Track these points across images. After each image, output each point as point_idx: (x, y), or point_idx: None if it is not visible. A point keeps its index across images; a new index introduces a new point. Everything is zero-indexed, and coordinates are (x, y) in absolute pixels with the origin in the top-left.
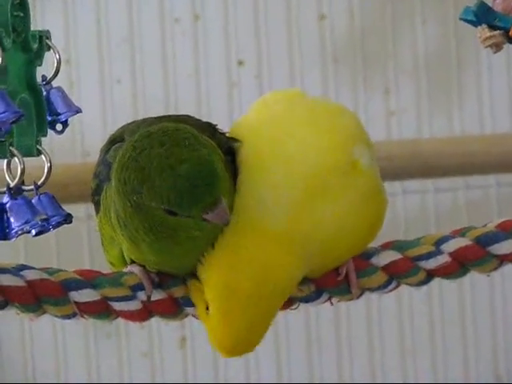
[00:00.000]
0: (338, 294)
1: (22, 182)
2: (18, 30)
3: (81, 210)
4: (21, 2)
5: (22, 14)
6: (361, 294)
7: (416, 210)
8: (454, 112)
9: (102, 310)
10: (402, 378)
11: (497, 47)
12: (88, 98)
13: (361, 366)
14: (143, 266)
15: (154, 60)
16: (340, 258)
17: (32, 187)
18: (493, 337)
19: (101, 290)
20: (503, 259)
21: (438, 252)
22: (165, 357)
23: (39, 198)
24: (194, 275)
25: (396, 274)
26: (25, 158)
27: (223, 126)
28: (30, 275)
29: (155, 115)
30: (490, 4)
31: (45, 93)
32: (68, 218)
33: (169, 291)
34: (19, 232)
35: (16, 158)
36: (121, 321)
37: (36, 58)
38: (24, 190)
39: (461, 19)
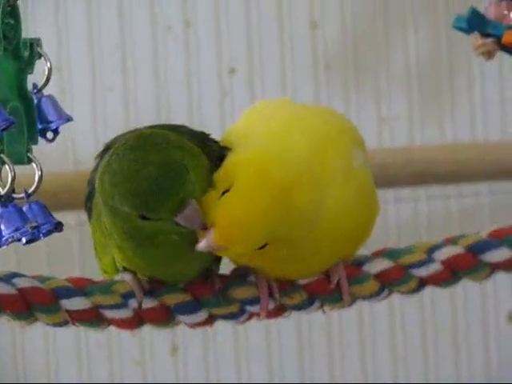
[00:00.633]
0: (330, 302)
1: (12, 190)
2: (9, 38)
3: (72, 218)
4: (12, 9)
5: (12, 22)
6: (353, 302)
7: (408, 218)
8: (446, 120)
9: (93, 318)
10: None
11: (489, 55)
12: (79, 106)
13: (353, 372)
14: (135, 274)
15: (145, 68)
16: (333, 257)
17: (23, 195)
18: (485, 345)
19: (92, 297)
20: (495, 267)
21: (430, 260)
22: (157, 365)
23: (30, 206)
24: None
25: (388, 282)
26: (15, 166)
27: (215, 134)
28: (22, 283)
29: (147, 123)
30: (482, 12)
31: (36, 101)
32: (58, 226)
33: (160, 299)
34: (9, 240)
35: (7, 166)
36: (112, 329)
37: (27, 65)
38: (14, 198)
39: (453, 27)
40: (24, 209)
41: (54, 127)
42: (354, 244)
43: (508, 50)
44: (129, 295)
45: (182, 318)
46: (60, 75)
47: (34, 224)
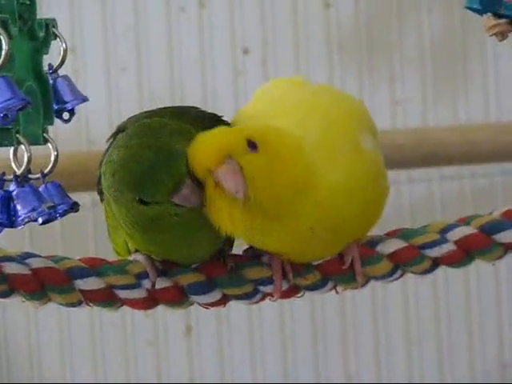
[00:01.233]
0: (343, 283)
1: (28, 171)
2: (25, 18)
3: (86, 198)
4: None
5: (28, 2)
6: (366, 283)
7: (421, 199)
8: (460, 101)
9: (107, 298)
10: (408, 366)
11: (502, 35)
12: (93, 87)
13: (366, 354)
14: (148, 255)
15: (159, 48)
16: (344, 238)
17: (39, 175)
18: (498, 325)
19: (106, 277)
20: (508, 247)
21: (444, 240)
22: (170, 345)
23: (46, 186)
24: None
25: (401, 262)
26: (31, 147)
27: (229, 114)
28: (35, 263)
29: (160, 103)
30: None
31: (51, 81)
32: (74, 207)
33: (174, 279)
34: (26, 220)
35: (23, 146)
36: (126, 310)
37: (42, 46)
38: (31, 179)
39: (466, 8)
40: (40, 189)
41: (70, 107)
42: (363, 226)
43: None
44: (142, 275)
45: (195, 298)
46: (74, 56)
47: (51, 204)
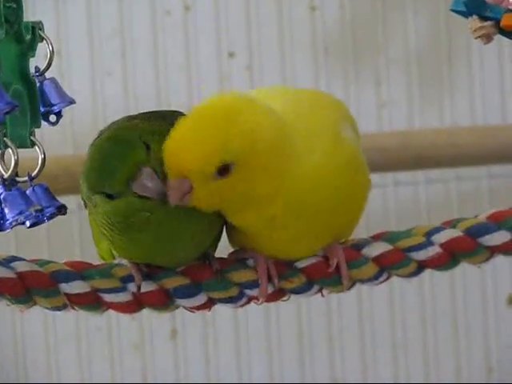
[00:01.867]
0: (329, 286)
1: (15, 174)
2: (11, 21)
3: (72, 202)
4: None
5: (14, 5)
6: (352, 286)
7: (407, 202)
8: (445, 103)
9: (92, 302)
10: (394, 370)
11: (487, 38)
12: (79, 90)
13: (352, 358)
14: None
15: (144, 52)
16: (321, 230)
17: (26, 178)
18: (484, 329)
19: (91, 281)
20: (494, 250)
21: (429, 243)
22: (156, 349)
23: (33, 189)
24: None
25: (387, 266)
26: (18, 150)
27: None
28: (21, 267)
29: (146, 107)
30: None
31: (38, 84)
32: (62, 209)
33: (159, 282)
34: (13, 223)
35: (10, 149)
36: (112, 313)
37: (29, 49)
38: (18, 182)
39: (451, 10)
40: (27, 192)
41: (57, 110)
42: (341, 219)
43: (506, 33)
44: (128, 279)
45: (180, 301)
46: (59, 59)
47: (38, 207)
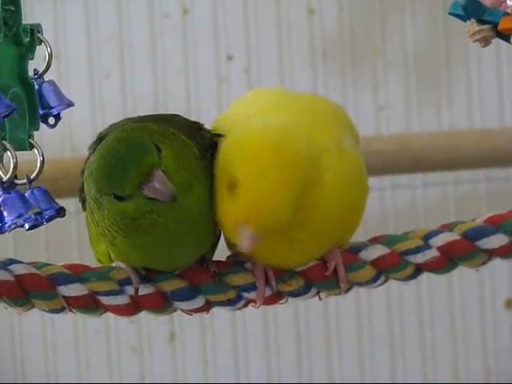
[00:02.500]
0: (327, 289)
1: (14, 176)
2: (9, 24)
3: (70, 205)
4: None
5: (13, 8)
6: (349, 289)
7: (405, 205)
8: (443, 107)
9: (90, 305)
10: (391, 372)
11: (485, 41)
12: (77, 93)
13: (350, 360)
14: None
15: (142, 55)
16: (328, 240)
17: (24, 181)
18: (482, 331)
19: (89, 284)
20: (492, 254)
21: (427, 246)
22: (154, 352)
23: (32, 191)
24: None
25: (384, 269)
26: (17, 152)
27: (212, 121)
28: (18, 269)
29: (144, 110)
30: None
31: (37, 86)
32: (61, 212)
33: (157, 285)
34: (12, 226)
35: (9, 152)
36: (110, 316)
37: (27, 51)
38: (17, 184)
39: (449, 14)
40: (26, 195)
41: (56, 112)
42: (345, 229)
43: (504, 36)
44: (125, 282)
45: (178, 304)
46: (58, 62)
47: (37, 210)
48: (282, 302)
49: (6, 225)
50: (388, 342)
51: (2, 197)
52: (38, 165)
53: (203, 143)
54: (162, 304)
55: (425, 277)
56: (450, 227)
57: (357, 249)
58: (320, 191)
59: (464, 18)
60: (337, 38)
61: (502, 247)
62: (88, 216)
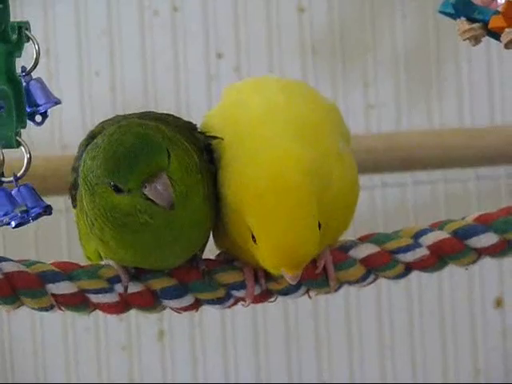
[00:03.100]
0: (316, 287)
1: (1, 174)
2: None
3: (60, 202)
4: None
5: (0, 6)
6: (339, 287)
7: (395, 203)
8: (434, 105)
9: (79, 303)
10: (381, 371)
11: (476, 40)
12: (67, 90)
13: (339, 360)
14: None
15: (132, 52)
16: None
17: (11, 179)
18: (472, 330)
19: (78, 282)
20: (481, 252)
21: (417, 245)
22: (143, 350)
23: (19, 189)
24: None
25: (374, 267)
26: (3, 150)
27: (202, 118)
28: (7, 267)
29: (134, 108)
30: None
31: (24, 84)
32: (48, 210)
33: (146, 283)
34: None
35: None
36: (99, 314)
37: (15, 49)
38: (3, 182)
39: (440, 12)
40: (13, 192)
41: (43, 110)
42: (340, 228)
43: (494, 35)
44: (115, 280)
45: (167, 302)
46: (48, 59)
47: (24, 208)
48: (271, 300)
49: None
50: (378, 341)
51: None
52: (25, 162)
53: (199, 146)
54: (151, 302)
55: (415, 275)
56: (439, 226)
57: (346, 247)
58: (324, 199)
59: (454, 17)
60: (327, 36)
61: (491, 246)
62: (78, 213)
